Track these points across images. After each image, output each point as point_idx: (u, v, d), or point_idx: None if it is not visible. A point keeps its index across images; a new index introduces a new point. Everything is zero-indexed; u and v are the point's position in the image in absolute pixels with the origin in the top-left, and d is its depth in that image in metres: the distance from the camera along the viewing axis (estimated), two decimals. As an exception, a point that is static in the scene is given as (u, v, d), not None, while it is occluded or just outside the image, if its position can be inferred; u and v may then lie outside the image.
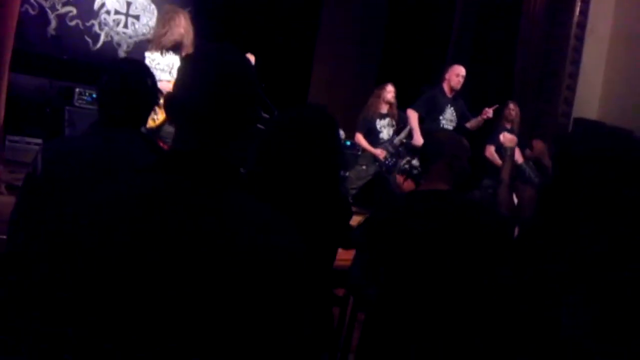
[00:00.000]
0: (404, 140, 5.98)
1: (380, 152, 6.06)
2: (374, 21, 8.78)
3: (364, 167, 6.21)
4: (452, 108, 5.94)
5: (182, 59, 1.36)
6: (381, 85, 6.37)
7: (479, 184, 5.87)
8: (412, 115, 5.89)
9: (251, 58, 4.61)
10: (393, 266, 2.29)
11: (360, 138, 6.23)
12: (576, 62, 5.99)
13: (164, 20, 4.59)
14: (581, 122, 5.86)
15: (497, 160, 5.80)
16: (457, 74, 5.87)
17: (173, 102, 1.19)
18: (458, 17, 7.46)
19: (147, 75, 2.15)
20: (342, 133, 2.59)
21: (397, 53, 8.41)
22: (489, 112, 5.81)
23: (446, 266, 2.21)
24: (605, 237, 1.47)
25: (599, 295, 1.42)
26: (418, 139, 5.72)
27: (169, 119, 1.26)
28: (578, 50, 5.97)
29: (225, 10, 7.74)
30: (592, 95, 6.05)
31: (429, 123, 5.86)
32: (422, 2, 8.14)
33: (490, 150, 6.00)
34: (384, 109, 6.24)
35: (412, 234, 2.26)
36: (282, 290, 1.06)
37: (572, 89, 6.00)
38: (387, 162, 5.94)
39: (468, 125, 5.95)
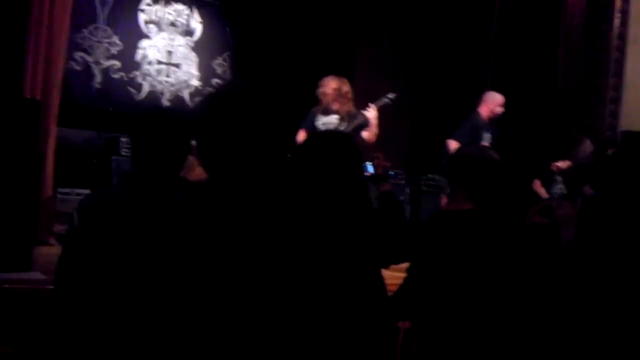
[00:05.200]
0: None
1: None
2: (407, 50, 8.81)
3: None
4: (489, 133, 5.90)
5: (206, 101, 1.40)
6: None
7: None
8: (455, 146, 5.81)
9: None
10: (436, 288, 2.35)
11: (300, 135, 5.12)
12: (619, 74, 5.86)
13: None
14: (631, 136, 5.70)
15: (544, 194, 5.80)
16: (501, 104, 5.87)
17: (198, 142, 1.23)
18: (494, 37, 7.41)
19: (178, 125, 2.20)
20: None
21: (432, 78, 8.39)
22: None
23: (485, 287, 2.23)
24: None
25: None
26: None
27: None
28: (620, 62, 5.85)
29: (262, 49, 7.88)
30: (638, 106, 5.89)
31: None
32: (455, 28, 8.12)
33: (537, 184, 6.00)
34: (335, 105, 5.27)
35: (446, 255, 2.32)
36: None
37: (617, 101, 5.86)
38: None
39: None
